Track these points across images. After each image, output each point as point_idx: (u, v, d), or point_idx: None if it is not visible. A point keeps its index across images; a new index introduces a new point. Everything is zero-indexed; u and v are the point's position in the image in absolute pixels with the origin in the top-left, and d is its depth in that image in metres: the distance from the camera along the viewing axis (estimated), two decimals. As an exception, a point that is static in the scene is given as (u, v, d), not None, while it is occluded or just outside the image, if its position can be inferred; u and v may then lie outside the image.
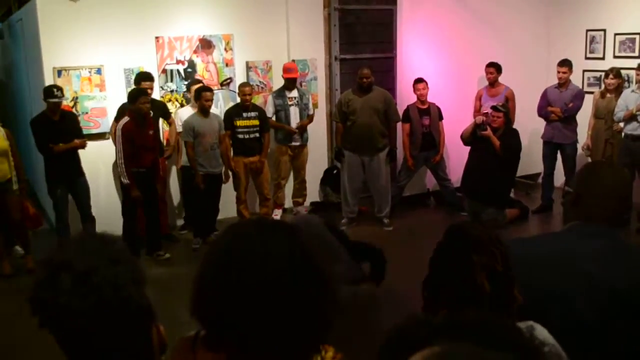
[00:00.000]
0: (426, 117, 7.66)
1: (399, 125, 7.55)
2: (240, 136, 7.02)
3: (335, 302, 1.21)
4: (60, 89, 6.22)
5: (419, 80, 7.60)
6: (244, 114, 7.03)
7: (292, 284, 1.14)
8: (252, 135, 7.06)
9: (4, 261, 6.20)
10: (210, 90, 6.81)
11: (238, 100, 7.15)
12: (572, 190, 2.19)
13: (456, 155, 7.99)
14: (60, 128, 6.20)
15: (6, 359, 4.92)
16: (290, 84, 7.40)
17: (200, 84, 7.08)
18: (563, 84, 7.53)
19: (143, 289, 1.17)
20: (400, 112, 7.55)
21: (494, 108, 7.27)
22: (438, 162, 7.78)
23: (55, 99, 6.09)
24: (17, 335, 5.04)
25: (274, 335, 1.13)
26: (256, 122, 7.06)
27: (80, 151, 6.41)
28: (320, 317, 1.18)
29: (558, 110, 7.47)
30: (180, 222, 7.57)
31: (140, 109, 6.13)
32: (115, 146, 6.19)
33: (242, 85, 7.12)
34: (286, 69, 7.43)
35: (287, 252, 1.17)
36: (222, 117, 7.03)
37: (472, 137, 7.26)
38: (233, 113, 7.06)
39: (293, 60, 7.83)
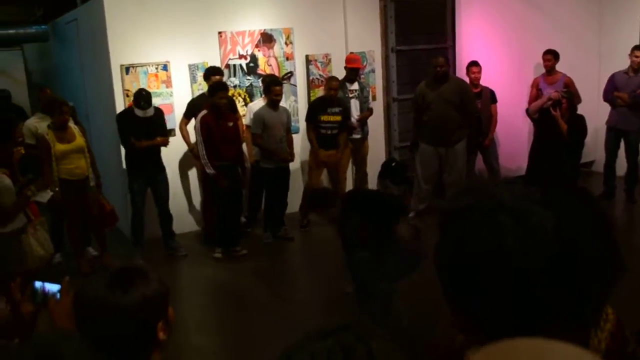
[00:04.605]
0: (478, 101, 7.63)
1: None
2: (323, 131, 6.88)
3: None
4: (147, 99, 6.19)
5: (473, 64, 7.60)
6: (329, 109, 6.91)
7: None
8: (334, 132, 6.95)
9: (83, 259, 6.15)
10: (279, 84, 6.76)
11: (299, 94, 7.05)
12: None
13: (508, 142, 7.92)
14: (146, 124, 6.16)
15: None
16: (352, 74, 7.34)
17: (272, 77, 7.02)
18: (637, 69, 7.44)
19: None
20: None
21: None
22: (487, 146, 7.73)
23: (142, 110, 6.13)
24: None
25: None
26: (339, 118, 6.93)
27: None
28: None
29: (625, 96, 7.39)
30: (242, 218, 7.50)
31: (217, 104, 6.09)
32: (197, 139, 6.14)
33: (330, 80, 7.01)
34: (349, 60, 7.39)
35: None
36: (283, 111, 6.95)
37: (539, 114, 7.21)
38: (317, 107, 6.93)
39: (352, 53, 7.80)
